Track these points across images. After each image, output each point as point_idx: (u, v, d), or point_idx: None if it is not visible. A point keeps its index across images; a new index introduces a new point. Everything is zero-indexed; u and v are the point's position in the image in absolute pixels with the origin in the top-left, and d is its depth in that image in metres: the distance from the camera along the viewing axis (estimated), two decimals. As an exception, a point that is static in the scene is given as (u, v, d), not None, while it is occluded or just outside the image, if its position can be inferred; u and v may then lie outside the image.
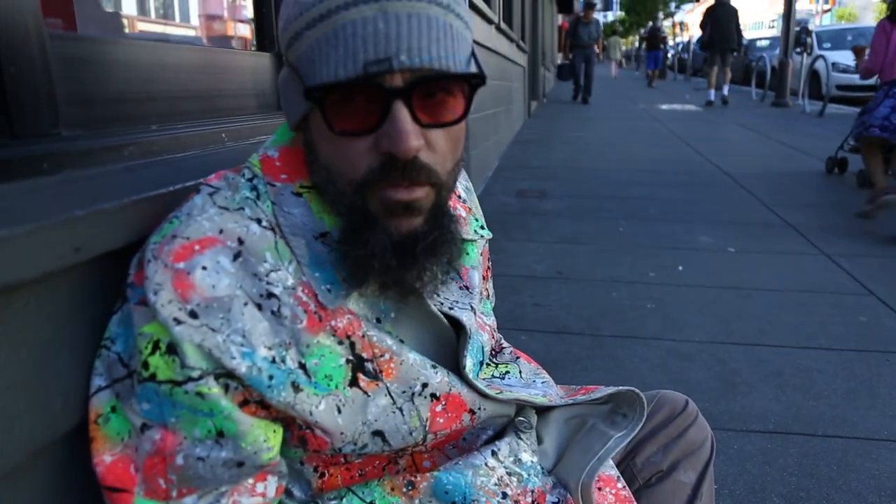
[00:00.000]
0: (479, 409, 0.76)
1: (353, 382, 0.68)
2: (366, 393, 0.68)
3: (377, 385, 0.69)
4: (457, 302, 0.77)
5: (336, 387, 0.66)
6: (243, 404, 0.63)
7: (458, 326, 0.76)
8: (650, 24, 22.63)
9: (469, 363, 0.75)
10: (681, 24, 39.17)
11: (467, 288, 0.80)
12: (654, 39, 17.59)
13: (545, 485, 0.77)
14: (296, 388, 0.64)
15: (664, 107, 12.03)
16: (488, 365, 0.86)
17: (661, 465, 0.91)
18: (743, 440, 1.81)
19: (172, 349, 0.60)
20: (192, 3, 1.80)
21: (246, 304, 0.62)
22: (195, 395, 0.61)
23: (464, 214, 0.84)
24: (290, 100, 0.67)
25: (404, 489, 0.73)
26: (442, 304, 0.75)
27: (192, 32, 1.85)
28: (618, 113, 10.95)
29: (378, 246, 0.62)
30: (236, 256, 0.63)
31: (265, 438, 0.66)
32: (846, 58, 10.15)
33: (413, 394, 0.70)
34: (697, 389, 2.07)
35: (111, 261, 0.67)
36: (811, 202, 4.55)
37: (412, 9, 0.58)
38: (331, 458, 0.72)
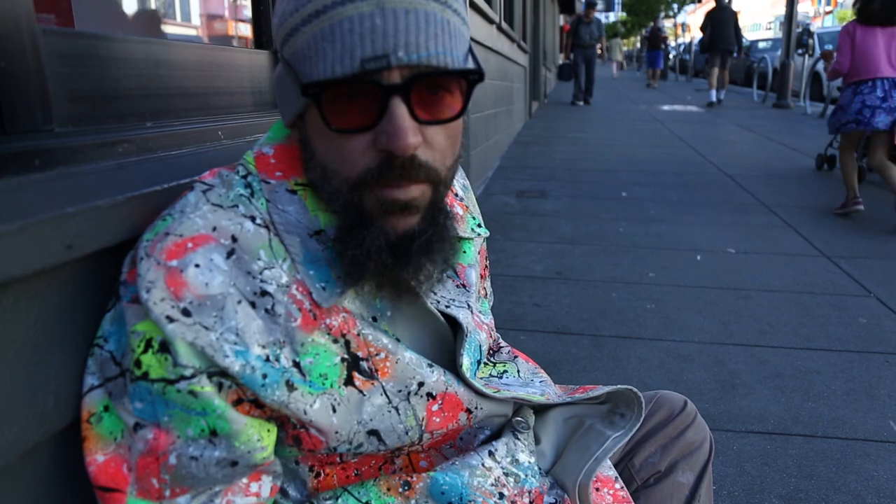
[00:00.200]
0: (476, 408, 0.75)
1: (349, 381, 0.67)
2: (361, 392, 0.68)
3: (373, 384, 0.68)
4: (453, 300, 0.77)
5: (331, 386, 0.66)
6: (237, 403, 0.63)
7: (455, 325, 0.76)
8: (651, 24, 22.63)
9: (466, 362, 0.74)
10: (682, 24, 39.22)
11: (464, 286, 0.79)
12: (655, 40, 17.62)
13: (542, 485, 0.77)
14: (290, 386, 0.63)
15: (665, 107, 12.03)
16: (486, 364, 0.86)
17: (659, 465, 0.90)
18: (742, 441, 1.80)
19: (165, 347, 0.59)
20: (192, 1, 1.79)
21: (239, 301, 0.61)
22: (188, 394, 0.60)
23: (461, 212, 0.83)
24: (286, 97, 0.66)
25: (400, 489, 0.72)
26: (438, 302, 0.75)
27: (191, 30, 1.85)
28: (619, 114, 10.95)
29: (374, 245, 0.62)
30: (230, 254, 0.62)
31: (259, 438, 0.65)
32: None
33: (409, 393, 0.70)
34: (696, 390, 2.07)
35: (104, 258, 0.66)
36: (812, 203, 4.55)
37: (409, 5, 0.57)
38: (326, 457, 0.72)
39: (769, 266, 3.26)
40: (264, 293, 0.63)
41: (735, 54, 11.62)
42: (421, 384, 0.70)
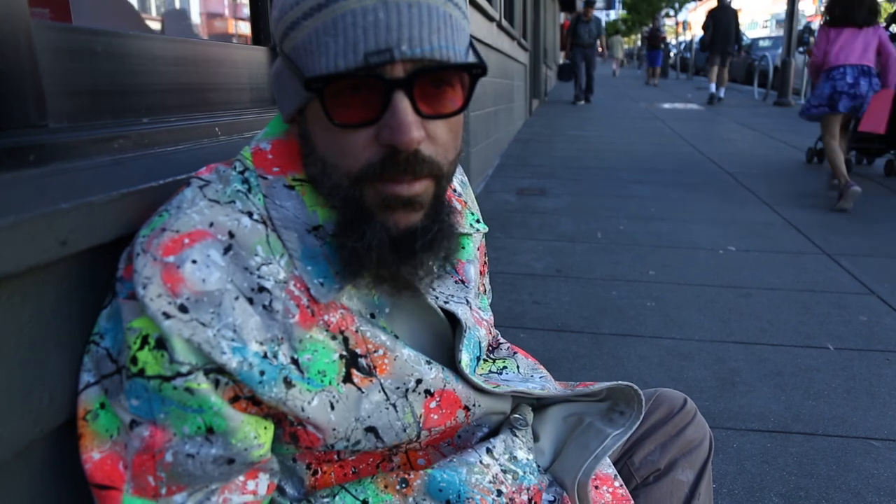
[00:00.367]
0: (474, 405, 0.75)
1: (348, 378, 0.67)
2: (360, 389, 0.67)
3: (371, 381, 0.68)
4: (452, 296, 0.76)
5: (330, 383, 0.65)
6: (234, 400, 0.62)
7: (454, 321, 0.75)
8: (651, 24, 22.66)
9: (465, 358, 0.74)
10: (683, 23, 39.20)
11: (463, 282, 0.79)
12: (655, 40, 17.72)
13: (541, 482, 0.76)
14: (288, 383, 0.63)
15: (666, 105, 12.02)
16: (485, 361, 0.86)
17: (658, 463, 0.90)
18: (742, 439, 1.80)
19: (161, 344, 0.59)
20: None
21: (237, 298, 0.61)
22: (184, 391, 0.60)
23: (459, 208, 0.83)
24: (285, 91, 0.66)
25: (398, 487, 0.72)
26: (437, 298, 0.74)
27: (189, 26, 1.84)
28: (619, 111, 10.94)
29: (375, 239, 0.61)
30: (227, 250, 0.62)
31: (256, 435, 0.65)
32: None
33: (407, 390, 0.69)
34: (696, 388, 2.07)
35: (100, 255, 0.66)
36: (812, 201, 4.54)
37: None
38: (324, 455, 0.71)
39: (769, 264, 3.26)
40: (262, 289, 0.62)
41: (734, 54, 11.64)
42: (419, 381, 0.70)
